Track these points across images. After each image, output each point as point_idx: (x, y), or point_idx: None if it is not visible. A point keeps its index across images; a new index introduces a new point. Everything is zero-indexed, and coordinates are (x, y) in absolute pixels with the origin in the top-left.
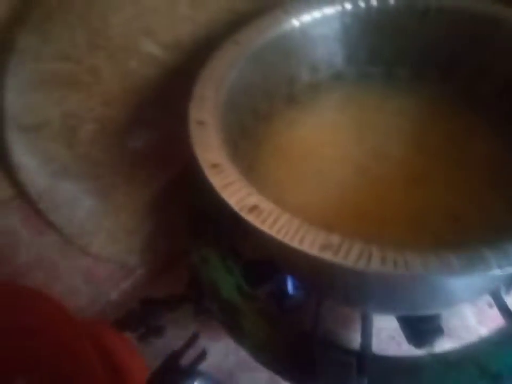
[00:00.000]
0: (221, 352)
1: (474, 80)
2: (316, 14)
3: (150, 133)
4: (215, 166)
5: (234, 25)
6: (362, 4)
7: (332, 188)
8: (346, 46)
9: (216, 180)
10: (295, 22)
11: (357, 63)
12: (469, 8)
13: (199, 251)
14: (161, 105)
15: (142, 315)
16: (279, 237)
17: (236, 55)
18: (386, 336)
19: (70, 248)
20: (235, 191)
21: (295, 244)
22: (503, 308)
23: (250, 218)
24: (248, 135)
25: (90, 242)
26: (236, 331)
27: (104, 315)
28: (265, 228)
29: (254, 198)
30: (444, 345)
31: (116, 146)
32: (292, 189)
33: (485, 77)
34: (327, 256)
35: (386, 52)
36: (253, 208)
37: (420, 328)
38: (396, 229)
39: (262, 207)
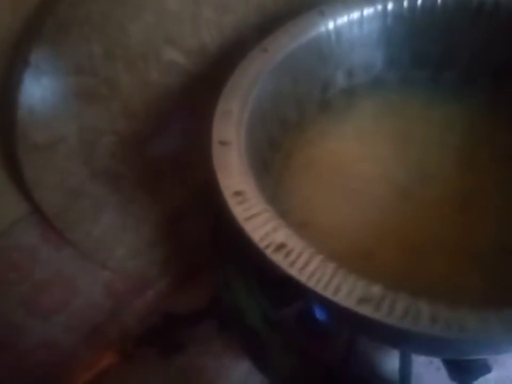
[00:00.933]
0: (245, 370)
1: None
2: (354, 14)
3: (172, 143)
4: (238, 193)
5: (264, 28)
6: (405, 3)
7: (368, 210)
8: (387, 48)
9: (238, 211)
10: (330, 24)
11: (398, 67)
12: None
13: (221, 271)
14: (184, 115)
15: (163, 330)
16: (310, 284)
17: (263, 64)
18: (425, 360)
19: (89, 261)
20: (260, 225)
21: (328, 294)
22: None
23: (277, 258)
24: (276, 147)
25: (109, 257)
26: (260, 361)
27: (125, 330)
28: (294, 272)
29: (282, 234)
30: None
31: (137, 158)
32: (323, 209)
33: None
34: (367, 311)
35: (432, 55)
36: (280, 247)
37: (464, 365)
38: (442, 262)
39: (291, 245)
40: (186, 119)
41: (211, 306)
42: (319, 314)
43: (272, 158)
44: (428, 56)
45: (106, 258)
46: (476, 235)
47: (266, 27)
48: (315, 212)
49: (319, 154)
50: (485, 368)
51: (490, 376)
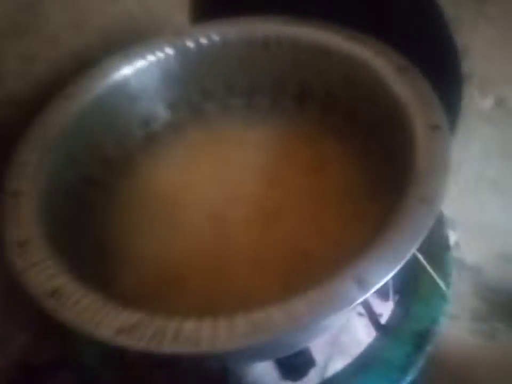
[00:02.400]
0: None
1: (326, 109)
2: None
3: None
4: (21, 244)
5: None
6: (204, 40)
7: (181, 236)
8: (200, 83)
9: (19, 260)
10: (131, 68)
11: (215, 98)
12: (304, 40)
13: None
14: None
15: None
16: (76, 322)
17: (66, 111)
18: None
19: None
20: (37, 273)
21: (91, 328)
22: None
23: (49, 304)
24: (98, 184)
25: None
26: None
27: None
28: (63, 313)
29: (57, 281)
30: (337, 363)
31: None
32: (138, 239)
33: (334, 106)
34: (121, 340)
35: (241, 83)
36: (53, 293)
37: (292, 363)
38: (244, 272)
39: (64, 290)
40: None
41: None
42: None
43: (94, 196)
44: (238, 86)
45: None
46: (276, 245)
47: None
48: (130, 243)
49: (144, 186)
50: (310, 363)
51: None
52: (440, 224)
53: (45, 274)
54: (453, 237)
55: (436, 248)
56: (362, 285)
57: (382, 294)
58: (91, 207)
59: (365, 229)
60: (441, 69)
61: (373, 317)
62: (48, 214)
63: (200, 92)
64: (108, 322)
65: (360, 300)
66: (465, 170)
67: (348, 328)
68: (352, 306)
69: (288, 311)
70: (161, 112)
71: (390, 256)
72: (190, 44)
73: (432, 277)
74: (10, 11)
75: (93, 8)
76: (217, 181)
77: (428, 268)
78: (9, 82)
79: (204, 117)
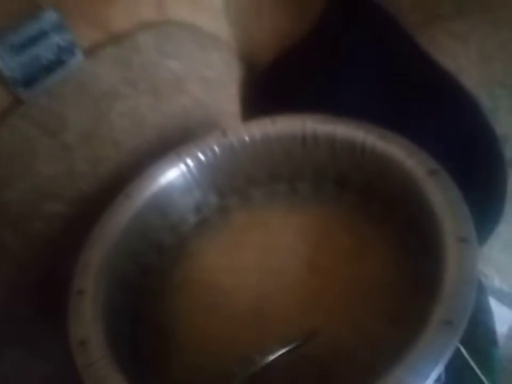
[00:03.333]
0: None
1: (364, 198)
2: (207, 152)
3: None
4: (82, 342)
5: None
6: (247, 138)
7: (226, 322)
8: (245, 171)
9: (80, 359)
10: (187, 163)
11: (259, 184)
12: (339, 137)
13: None
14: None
15: None
16: None
17: (127, 210)
18: None
19: None
20: (94, 371)
21: None
22: None
23: None
24: (151, 272)
25: None
26: None
27: None
28: None
29: (109, 380)
30: None
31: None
32: (188, 324)
33: (372, 196)
34: None
35: (283, 172)
36: None
37: None
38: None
39: None
40: None
41: None
42: None
43: (150, 283)
44: (280, 174)
45: None
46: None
47: (142, 165)
48: (179, 328)
49: (194, 270)
50: None
51: None
52: (487, 316)
53: (99, 374)
54: (511, 314)
55: (482, 343)
56: None
57: None
58: (147, 294)
59: (398, 334)
60: (485, 156)
61: None
62: (108, 310)
63: (245, 180)
64: None
65: None
66: None
67: None
68: None
69: None
70: (212, 199)
71: (412, 381)
72: (235, 142)
73: (476, 374)
74: (84, 124)
75: (151, 110)
76: (260, 266)
77: (472, 364)
78: (80, 182)
79: (250, 203)
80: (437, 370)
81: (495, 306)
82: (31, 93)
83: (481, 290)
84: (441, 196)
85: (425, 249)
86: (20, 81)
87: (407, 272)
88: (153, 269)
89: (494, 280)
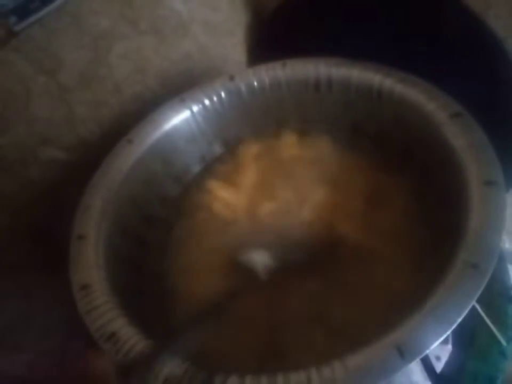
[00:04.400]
0: None
1: (379, 147)
2: (214, 97)
3: None
4: (84, 287)
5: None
6: (255, 83)
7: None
8: (250, 122)
9: (82, 304)
10: (193, 109)
11: (267, 135)
12: (355, 82)
13: None
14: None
15: None
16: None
17: (129, 156)
18: None
19: None
20: (98, 317)
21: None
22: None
23: (107, 347)
24: (157, 223)
25: None
26: None
27: None
28: (119, 358)
29: (115, 324)
30: None
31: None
32: (195, 276)
33: (388, 144)
34: None
35: (293, 123)
36: (111, 336)
37: None
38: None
39: (120, 334)
40: None
41: None
42: None
43: (153, 234)
44: (290, 125)
45: None
46: None
47: (145, 112)
48: (186, 277)
49: (195, 226)
50: None
51: None
52: (503, 274)
53: (104, 318)
54: None
55: (497, 299)
56: (403, 355)
57: None
58: (150, 245)
59: (419, 282)
60: (508, 104)
61: (428, 366)
62: (110, 256)
63: (253, 130)
64: (156, 371)
65: (400, 369)
66: None
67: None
68: (391, 376)
69: (326, 375)
70: (217, 149)
71: (434, 326)
72: (242, 87)
73: (491, 331)
74: (81, 65)
75: (153, 53)
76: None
77: (487, 320)
78: (79, 127)
79: (257, 154)
80: (462, 316)
81: None
82: (24, 25)
83: None
84: (465, 139)
85: (448, 196)
86: (12, 9)
87: (427, 221)
88: (157, 220)
89: (505, 243)
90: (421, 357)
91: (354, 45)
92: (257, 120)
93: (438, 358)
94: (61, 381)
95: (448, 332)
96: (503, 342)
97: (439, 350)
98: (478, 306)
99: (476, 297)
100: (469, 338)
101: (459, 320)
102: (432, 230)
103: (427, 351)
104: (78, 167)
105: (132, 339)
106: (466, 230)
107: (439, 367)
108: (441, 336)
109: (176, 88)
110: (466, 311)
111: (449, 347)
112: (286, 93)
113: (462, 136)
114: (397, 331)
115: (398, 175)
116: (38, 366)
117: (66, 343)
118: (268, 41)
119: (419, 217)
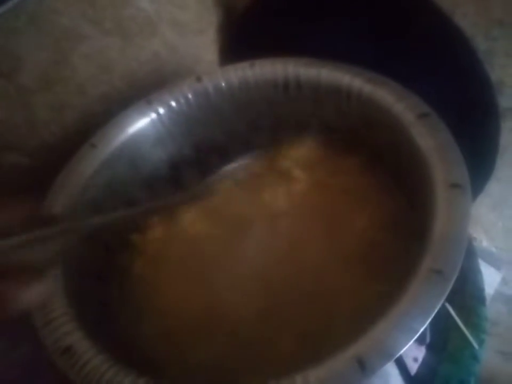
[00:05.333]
0: None
1: (350, 146)
2: (180, 99)
3: None
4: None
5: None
6: (223, 84)
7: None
8: (220, 124)
9: (38, 316)
10: (159, 111)
11: (238, 138)
12: (324, 82)
13: None
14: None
15: None
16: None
17: (92, 160)
18: None
19: None
20: (54, 329)
21: None
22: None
23: (62, 361)
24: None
25: None
26: None
27: None
28: (72, 373)
29: (70, 338)
30: None
31: None
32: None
33: (357, 145)
34: None
35: (265, 122)
36: (66, 350)
37: None
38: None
39: (75, 348)
40: None
41: None
42: None
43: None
44: (261, 125)
45: None
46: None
47: (111, 113)
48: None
49: (171, 234)
50: None
51: None
52: (475, 275)
53: (61, 331)
54: (498, 276)
55: (470, 301)
56: (364, 368)
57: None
58: (113, 251)
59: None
60: (477, 104)
61: (402, 368)
62: (67, 261)
63: (223, 132)
64: None
65: (362, 382)
66: (509, 207)
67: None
68: None
69: None
70: (188, 153)
71: (397, 336)
72: (210, 88)
73: (463, 333)
74: (43, 66)
75: (119, 54)
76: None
77: (459, 322)
78: (42, 130)
79: (229, 158)
80: (425, 324)
81: (482, 268)
82: None
83: (469, 246)
84: (432, 140)
85: (416, 198)
86: None
87: (395, 224)
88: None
89: (482, 241)
90: (380, 369)
91: (323, 45)
92: (228, 122)
93: (415, 360)
94: None
95: (411, 342)
96: (475, 345)
97: (417, 351)
98: (450, 308)
99: (439, 305)
100: (441, 341)
101: (422, 329)
102: (402, 234)
103: (388, 363)
104: (42, 171)
105: (88, 353)
106: (431, 235)
107: (415, 369)
108: (403, 346)
109: (145, 89)
110: (429, 320)
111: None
112: (255, 93)
113: (429, 137)
114: (358, 342)
115: (370, 176)
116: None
117: (36, 353)
118: (239, 40)
119: (391, 221)
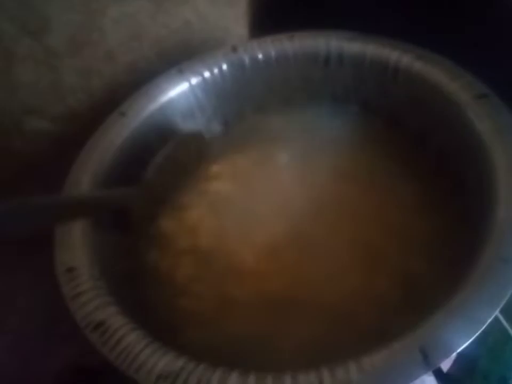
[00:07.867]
0: None
1: (391, 128)
2: (214, 70)
3: None
4: (69, 270)
5: (138, 85)
6: (260, 56)
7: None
8: (252, 98)
9: (67, 289)
10: (192, 81)
11: (270, 112)
12: (369, 55)
13: None
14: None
15: None
16: (118, 363)
17: (121, 129)
18: None
19: None
20: (84, 303)
21: (132, 372)
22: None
23: (93, 337)
24: None
25: None
26: None
27: None
28: (105, 350)
29: (102, 312)
30: None
31: None
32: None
33: (400, 128)
34: None
35: (299, 97)
36: (98, 325)
37: None
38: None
39: (108, 323)
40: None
41: None
42: None
43: None
44: (295, 100)
45: None
46: None
47: (139, 83)
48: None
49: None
50: None
51: None
52: None
53: (92, 306)
54: None
55: None
56: (428, 358)
57: None
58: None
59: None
60: None
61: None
62: (98, 238)
63: (255, 107)
64: (148, 367)
65: (423, 374)
66: None
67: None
68: (412, 381)
69: (340, 377)
70: (215, 127)
71: (463, 326)
72: (246, 60)
73: (504, 327)
74: (71, 28)
75: (150, 20)
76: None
77: (500, 316)
78: (68, 97)
79: (258, 134)
80: (493, 316)
81: None
82: None
83: None
84: (492, 123)
85: (468, 184)
86: None
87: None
88: None
89: None
90: (445, 360)
91: (369, 20)
92: (260, 96)
93: None
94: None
95: (478, 333)
96: None
97: None
98: (502, 319)
99: (508, 295)
100: (480, 336)
101: (490, 319)
102: (447, 220)
103: (451, 355)
104: (66, 139)
105: (121, 330)
106: (493, 221)
107: (446, 365)
108: (470, 337)
109: (174, 58)
110: (498, 310)
111: None
112: (292, 67)
113: (488, 119)
114: (421, 331)
115: (410, 161)
116: (20, 351)
117: (50, 328)
118: (272, 15)
119: (431, 207)
